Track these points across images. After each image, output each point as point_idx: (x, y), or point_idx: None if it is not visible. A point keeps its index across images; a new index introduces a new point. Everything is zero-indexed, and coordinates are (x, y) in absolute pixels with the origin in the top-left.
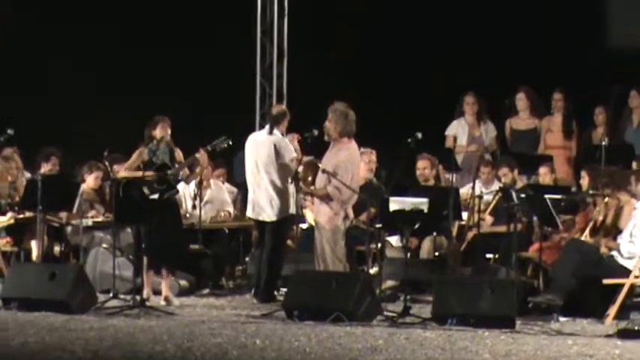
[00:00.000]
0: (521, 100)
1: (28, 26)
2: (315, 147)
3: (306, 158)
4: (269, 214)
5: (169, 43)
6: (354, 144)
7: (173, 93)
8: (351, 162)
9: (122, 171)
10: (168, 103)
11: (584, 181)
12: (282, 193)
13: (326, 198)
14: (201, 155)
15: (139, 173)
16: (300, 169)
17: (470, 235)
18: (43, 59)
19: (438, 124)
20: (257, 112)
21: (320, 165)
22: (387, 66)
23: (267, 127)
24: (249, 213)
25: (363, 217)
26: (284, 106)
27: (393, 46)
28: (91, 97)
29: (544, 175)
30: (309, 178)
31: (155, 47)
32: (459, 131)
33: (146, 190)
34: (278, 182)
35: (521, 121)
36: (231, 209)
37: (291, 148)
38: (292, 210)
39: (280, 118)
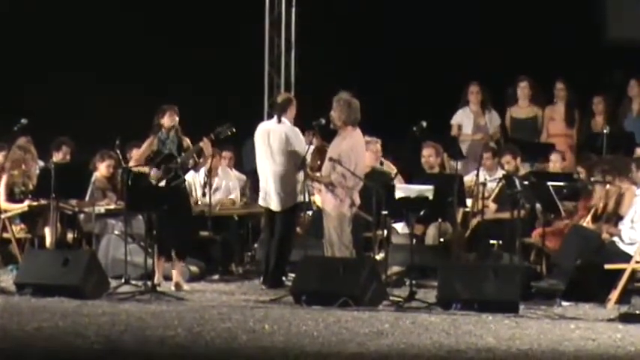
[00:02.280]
0: (524, 88)
1: (49, 15)
2: (323, 136)
3: (316, 142)
4: (278, 203)
5: (179, 34)
6: (358, 132)
7: (183, 83)
8: (354, 150)
9: (132, 161)
10: (178, 93)
11: (582, 175)
12: (291, 182)
13: (330, 185)
14: (205, 144)
15: (146, 169)
16: (308, 156)
17: (474, 221)
18: (59, 47)
19: (443, 113)
20: (265, 103)
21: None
22: (394, 56)
23: (275, 116)
24: (260, 201)
25: None
26: (289, 94)
27: (399, 35)
28: (102, 86)
29: (554, 162)
30: (318, 162)
31: (165, 38)
32: (464, 120)
33: (153, 180)
34: (288, 171)
35: (521, 109)
36: (236, 196)
37: (301, 137)
38: (300, 198)
39: (286, 106)
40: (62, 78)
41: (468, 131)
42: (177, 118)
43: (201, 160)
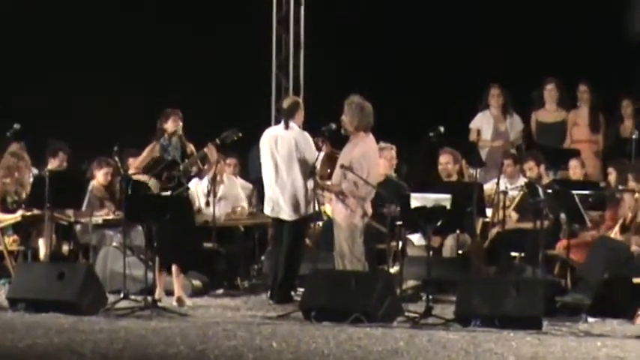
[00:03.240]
0: (551, 91)
1: (48, 15)
2: (333, 142)
3: (325, 148)
4: (289, 213)
5: (181, 35)
6: (371, 138)
7: (186, 86)
8: (366, 157)
9: (132, 168)
10: (182, 96)
11: (612, 176)
12: (302, 191)
13: (341, 194)
14: (210, 149)
15: (145, 177)
16: (318, 163)
17: (494, 231)
18: (57, 47)
19: (461, 117)
20: (273, 106)
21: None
22: (409, 57)
23: (282, 121)
24: (267, 211)
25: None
26: (296, 97)
27: (414, 36)
28: (102, 90)
29: (574, 169)
30: (328, 170)
31: (166, 38)
32: (483, 124)
33: (154, 189)
34: (298, 180)
35: (548, 113)
36: (245, 205)
37: (311, 143)
38: (312, 208)
39: (293, 110)
40: (59, 79)
41: (487, 136)
42: (180, 124)
43: (205, 167)
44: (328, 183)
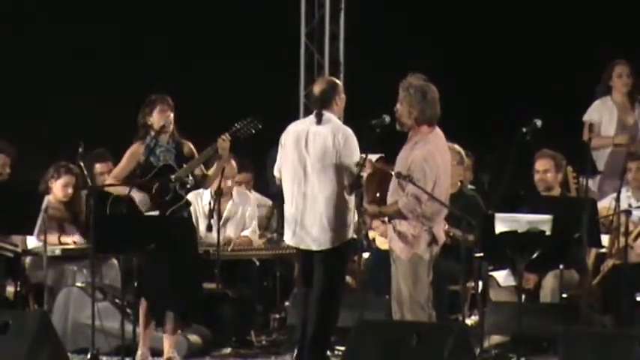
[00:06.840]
0: None
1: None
2: (386, 141)
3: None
4: (321, 240)
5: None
6: (437, 134)
7: (178, 61)
8: (430, 161)
9: (109, 178)
10: (174, 79)
11: None
12: (339, 210)
13: (399, 216)
14: (221, 145)
15: (125, 190)
16: (365, 171)
17: (609, 265)
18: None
19: (569, 107)
20: (301, 90)
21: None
22: (489, 20)
23: (314, 113)
24: (288, 238)
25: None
26: (334, 79)
27: None
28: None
29: None
30: (377, 195)
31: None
32: (603, 116)
33: (142, 208)
34: (334, 193)
35: None
36: (254, 230)
37: (354, 143)
38: (353, 233)
39: (329, 97)
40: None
41: (609, 132)
42: (171, 115)
43: (211, 170)
44: (372, 208)
